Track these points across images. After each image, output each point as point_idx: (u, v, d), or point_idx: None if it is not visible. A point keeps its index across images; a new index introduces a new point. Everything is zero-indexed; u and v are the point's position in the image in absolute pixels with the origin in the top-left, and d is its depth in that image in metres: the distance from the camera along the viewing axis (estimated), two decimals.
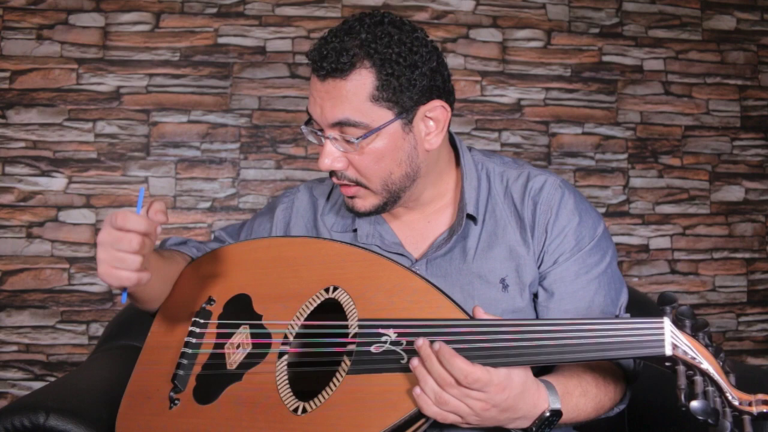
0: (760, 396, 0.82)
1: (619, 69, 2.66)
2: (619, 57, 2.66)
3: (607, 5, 2.66)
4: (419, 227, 1.18)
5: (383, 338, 0.96)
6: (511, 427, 0.94)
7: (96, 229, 2.38)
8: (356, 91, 1.02)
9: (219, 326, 1.14)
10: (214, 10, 2.46)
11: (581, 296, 1.10)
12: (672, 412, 1.32)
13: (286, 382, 1.02)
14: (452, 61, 2.54)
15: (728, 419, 0.80)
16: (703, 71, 2.72)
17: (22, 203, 2.35)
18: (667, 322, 0.84)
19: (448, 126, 1.12)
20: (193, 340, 1.14)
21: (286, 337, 1.06)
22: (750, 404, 0.81)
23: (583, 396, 1.01)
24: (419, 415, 0.91)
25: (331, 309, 1.04)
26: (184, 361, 1.12)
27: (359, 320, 1.00)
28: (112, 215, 0.97)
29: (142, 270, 0.98)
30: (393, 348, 0.95)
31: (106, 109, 2.40)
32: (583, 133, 2.63)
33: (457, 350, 0.88)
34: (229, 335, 1.12)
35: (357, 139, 1.04)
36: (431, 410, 0.89)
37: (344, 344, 0.99)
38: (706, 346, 0.84)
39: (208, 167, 2.44)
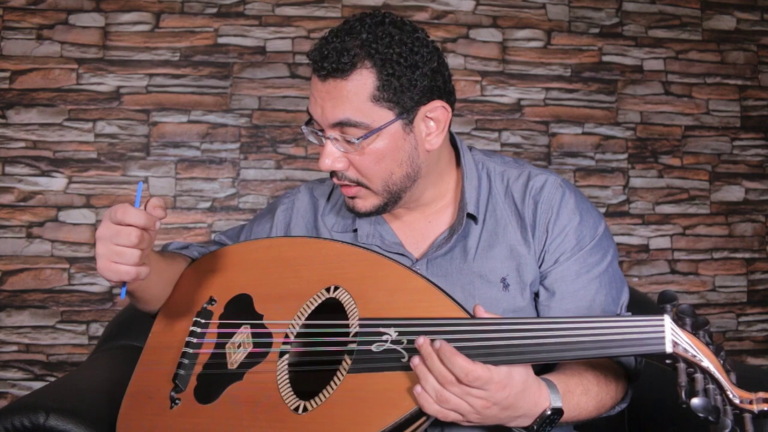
0: (761, 394, 0.82)
1: (619, 69, 2.66)
2: (619, 57, 2.66)
3: (607, 5, 2.66)
4: (420, 227, 1.18)
5: (384, 337, 0.96)
6: (513, 426, 0.94)
7: (96, 229, 2.38)
8: (357, 92, 1.02)
9: (220, 326, 1.15)
10: (214, 10, 2.46)
11: (582, 295, 1.10)
12: (672, 411, 1.32)
13: (287, 381, 1.02)
14: (452, 61, 2.54)
15: (729, 417, 0.80)
16: (703, 71, 2.72)
17: (22, 203, 2.35)
18: (667, 319, 0.84)
19: (449, 126, 1.12)
20: (195, 340, 1.14)
21: (287, 336, 1.06)
22: (751, 402, 0.82)
23: (584, 394, 1.01)
24: (420, 413, 0.91)
25: (331, 308, 1.05)
26: (185, 361, 1.12)
27: (360, 319, 1.00)
28: (111, 209, 0.97)
29: (141, 264, 0.98)
30: (394, 347, 0.95)
31: (106, 109, 2.40)
32: (583, 133, 2.63)
33: (458, 349, 0.88)
34: (230, 335, 1.12)
35: (358, 139, 1.04)
36: (432, 408, 0.89)
37: (345, 343, 0.99)
38: (707, 344, 0.84)
39: (208, 167, 2.44)
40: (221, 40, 2.46)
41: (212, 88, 2.45)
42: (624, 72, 2.66)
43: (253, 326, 1.11)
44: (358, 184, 1.10)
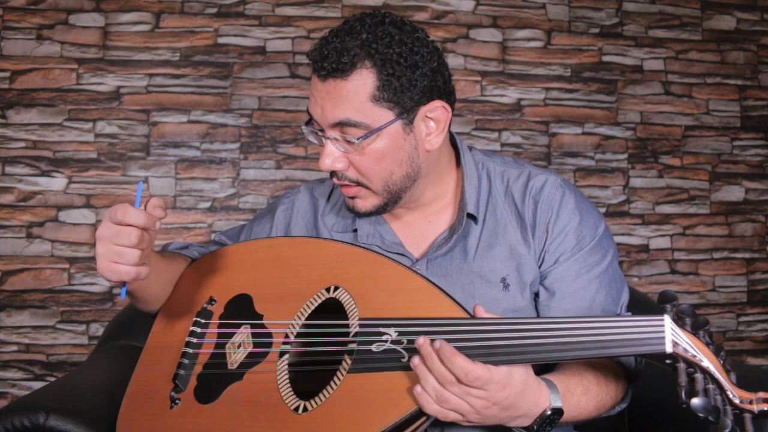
0: (761, 394, 0.82)
1: (619, 69, 2.66)
2: (619, 57, 2.66)
3: (607, 5, 2.66)
4: (420, 227, 1.18)
5: (384, 337, 0.96)
6: (513, 426, 0.94)
7: (96, 228, 2.38)
8: (357, 92, 1.02)
9: (220, 326, 1.15)
10: (214, 10, 2.46)
11: (582, 295, 1.10)
12: (672, 412, 1.32)
13: (287, 381, 1.02)
14: (452, 61, 2.54)
15: (729, 417, 0.80)
16: (703, 71, 2.72)
17: (22, 203, 2.35)
18: (667, 319, 0.84)
19: (449, 126, 1.12)
20: (195, 340, 1.14)
21: (287, 336, 1.06)
22: (751, 402, 0.81)
23: (584, 394, 1.01)
24: (420, 413, 0.91)
25: (332, 308, 1.05)
26: (185, 361, 1.12)
27: (360, 319, 1.00)
28: (111, 209, 0.97)
29: (141, 264, 0.98)
30: (394, 347, 0.95)
31: (106, 109, 2.40)
32: (583, 133, 2.63)
33: (458, 349, 0.88)
34: (230, 335, 1.12)
35: (358, 139, 1.04)
36: (432, 408, 0.89)
37: (345, 343, 0.99)
38: (707, 344, 0.84)
39: (208, 167, 2.44)
40: (221, 40, 2.46)
41: (212, 88, 2.45)
42: (624, 72, 2.66)
43: (253, 326, 1.11)
44: (358, 184, 1.10)
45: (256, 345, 1.08)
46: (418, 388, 0.89)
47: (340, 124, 1.04)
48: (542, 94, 2.61)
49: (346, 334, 1.00)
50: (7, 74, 2.36)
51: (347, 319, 1.01)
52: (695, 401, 0.79)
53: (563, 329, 0.88)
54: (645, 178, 2.66)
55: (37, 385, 2.32)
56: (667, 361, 0.85)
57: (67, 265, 2.37)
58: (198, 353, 1.14)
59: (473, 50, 2.58)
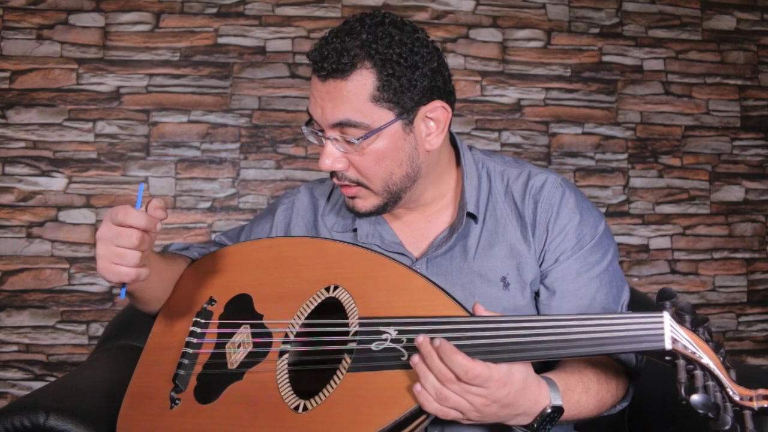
0: (761, 391, 0.81)
1: (619, 69, 2.66)
2: (619, 57, 2.66)
3: (607, 5, 2.66)
4: (420, 227, 1.19)
5: (384, 336, 0.96)
6: (513, 424, 0.94)
7: (96, 229, 2.38)
8: (357, 92, 1.02)
9: (220, 326, 1.15)
10: (214, 10, 2.46)
11: (583, 294, 1.10)
12: (672, 411, 1.32)
13: (287, 380, 1.02)
14: (452, 61, 2.54)
15: (729, 414, 0.80)
16: (703, 71, 2.72)
17: (22, 203, 2.36)
18: (666, 316, 0.84)
19: (449, 126, 1.12)
20: (194, 340, 1.14)
21: (286, 336, 1.06)
22: (751, 399, 0.81)
23: (584, 393, 1.01)
24: (420, 411, 0.91)
25: (331, 308, 1.05)
26: (185, 361, 1.12)
27: (360, 318, 1.00)
28: (112, 210, 0.98)
29: (141, 266, 0.98)
30: (393, 345, 0.95)
31: (106, 109, 2.40)
32: (583, 133, 2.63)
33: (458, 347, 0.88)
34: (230, 335, 1.12)
35: (358, 139, 1.04)
36: (432, 407, 0.89)
37: (345, 342, 0.99)
38: (706, 342, 0.83)
39: (208, 167, 2.45)
40: (221, 40, 2.46)
41: (212, 88, 2.45)
42: (624, 72, 2.66)
43: (252, 326, 1.11)
44: (358, 184, 1.10)
45: (256, 345, 1.08)
46: (417, 387, 0.89)
47: (340, 125, 1.04)
48: (542, 94, 2.61)
49: (346, 333, 1.00)
50: (7, 74, 2.36)
51: (347, 318, 1.01)
52: (695, 398, 0.79)
53: (563, 327, 0.88)
54: (645, 178, 2.66)
55: (37, 385, 2.32)
56: (667, 358, 0.85)
57: (67, 265, 2.37)
58: (198, 353, 1.14)
59: (473, 50, 2.58)
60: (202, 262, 1.24)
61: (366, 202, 1.12)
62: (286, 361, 1.04)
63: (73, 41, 2.39)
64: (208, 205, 2.45)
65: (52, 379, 2.34)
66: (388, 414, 0.91)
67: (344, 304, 1.03)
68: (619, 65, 2.66)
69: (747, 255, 2.73)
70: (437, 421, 0.95)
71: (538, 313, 1.13)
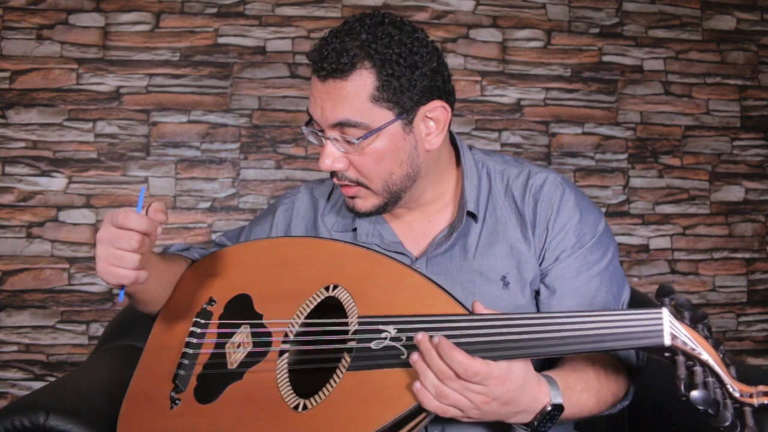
0: (761, 388, 0.81)
1: (619, 69, 2.66)
2: (619, 57, 2.66)
3: (607, 5, 2.66)
4: (420, 226, 1.19)
5: (383, 334, 0.96)
6: (513, 422, 0.94)
7: (96, 229, 2.38)
8: (357, 92, 1.02)
9: (220, 326, 1.15)
10: (214, 10, 2.46)
11: (583, 293, 1.10)
12: (672, 411, 1.32)
13: (287, 380, 1.02)
14: (452, 61, 2.54)
15: (729, 410, 0.79)
16: (703, 71, 2.72)
17: (22, 203, 2.36)
18: (665, 312, 0.84)
19: (449, 126, 1.12)
20: (194, 341, 1.14)
21: (286, 335, 1.06)
22: (751, 396, 0.81)
23: (585, 391, 1.00)
24: (420, 409, 0.91)
25: (331, 307, 1.05)
26: (185, 361, 1.12)
27: (359, 317, 1.00)
28: (113, 213, 0.98)
29: (141, 269, 0.99)
30: (393, 344, 0.95)
31: (106, 109, 2.40)
32: (583, 133, 2.63)
33: (457, 345, 0.88)
34: (230, 335, 1.12)
35: (357, 139, 1.04)
36: (432, 404, 0.89)
37: (344, 341, 0.99)
38: (706, 338, 0.83)
39: (208, 167, 2.45)
40: (221, 40, 2.46)
41: (212, 88, 2.45)
42: (624, 72, 2.66)
43: (252, 326, 1.11)
44: (358, 184, 1.10)
45: (255, 344, 1.08)
46: (417, 385, 0.89)
47: (340, 125, 1.04)
48: (542, 94, 2.61)
49: (346, 332, 1.00)
50: (7, 74, 2.36)
51: (346, 317, 1.01)
52: (695, 394, 0.78)
53: (562, 323, 0.87)
54: (645, 178, 2.66)
55: (37, 385, 2.32)
56: (666, 354, 0.85)
57: (67, 265, 2.37)
58: (198, 353, 1.14)
59: (473, 50, 2.58)
60: (201, 262, 1.24)
61: (366, 201, 1.12)
62: (285, 361, 1.04)
63: (73, 41, 2.39)
64: (208, 205, 2.45)
65: (52, 379, 2.34)
66: (388, 412, 0.91)
67: (344, 303, 1.03)
68: (619, 65, 2.66)
69: (747, 255, 2.73)
70: (438, 420, 0.94)
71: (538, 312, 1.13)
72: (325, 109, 1.04)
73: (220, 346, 1.12)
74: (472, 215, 1.14)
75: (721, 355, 0.83)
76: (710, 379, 0.81)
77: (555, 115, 2.61)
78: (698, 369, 0.82)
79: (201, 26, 2.45)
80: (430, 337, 0.89)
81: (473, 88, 2.57)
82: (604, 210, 2.62)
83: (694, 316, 0.85)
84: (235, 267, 1.20)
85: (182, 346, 1.15)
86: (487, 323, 0.90)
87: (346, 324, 1.00)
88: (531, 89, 2.60)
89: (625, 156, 2.65)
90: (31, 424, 1.12)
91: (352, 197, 1.12)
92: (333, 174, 1.11)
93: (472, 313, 0.94)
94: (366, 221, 1.19)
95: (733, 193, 2.72)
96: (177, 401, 1.10)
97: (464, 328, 0.91)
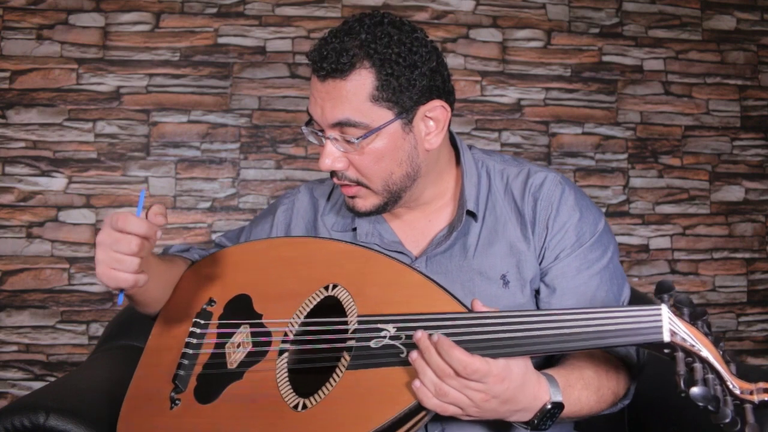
0: (761, 384, 0.81)
1: (619, 69, 2.66)
2: (619, 57, 2.66)
3: (607, 5, 2.66)
4: (419, 226, 1.19)
5: (382, 333, 0.96)
6: (513, 420, 0.94)
7: (96, 229, 2.38)
8: (356, 92, 1.02)
9: (219, 326, 1.15)
10: (214, 10, 2.46)
11: (583, 291, 1.10)
12: (672, 411, 1.32)
13: (287, 379, 1.02)
14: (452, 61, 2.54)
15: (729, 407, 0.79)
16: (703, 71, 2.72)
17: (22, 203, 2.36)
18: (665, 308, 0.84)
19: (448, 126, 1.12)
20: (194, 341, 1.14)
21: (286, 335, 1.06)
22: (751, 393, 0.81)
23: (585, 389, 1.00)
24: (419, 407, 0.91)
25: (330, 306, 1.05)
26: (185, 362, 1.12)
27: (359, 316, 1.00)
28: (113, 216, 0.98)
29: (140, 272, 0.99)
30: (392, 342, 0.95)
31: (106, 109, 2.40)
32: (583, 133, 2.63)
33: (456, 342, 0.88)
34: (230, 335, 1.12)
35: (357, 139, 1.04)
36: (431, 402, 0.89)
37: (344, 340, 0.99)
38: (706, 335, 0.83)
39: (208, 167, 2.45)
40: (221, 40, 2.46)
41: (212, 88, 2.45)
42: (624, 72, 2.66)
43: (252, 326, 1.11)
44: (358, 183, 1.10)
45: (255, 344, 1.08)
46: (416, 383, 0.89)
47: (340, 124, 1.04)
48: (542, 94, 2.61)
49: (345, 331, 1.00)
50: (7, 74, 2.36)
51: (346, 316, 1.01)
52: (695, 390, 0.78)
53: (561, 321, 0.87)
54: (645, 178, 2.66)
55: (37, 385, 2.32)
56: (665, 351, 0.84)
57: (67, 265, 2.37)
58: (197, 354, 1.14)
59: (473, 50, 2.58)
60: (201, 263, 1.24)
61: (366, 201, 1.12)
62: (285, 360, 1.04)
63: (73, 41, 2.39)
64: (208, 205, 2.45)
65: (52, 379, 2.34)
66: (387, 411, 0.91)
67: (343, 303, 1.03)
68: (619, 65, 2.66)
69: (747, 255, 2.73)
70: (438, 418, 0.94)
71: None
72: (324, 108, 1.04)
73: (219, 346, 1.12)
74: (472, 214, 1.14)
75: (721, 352, 0.83)
76: (710, 376, 0.81)
77: (555, 115, 2.61)
78: (698, 365, 0.81)
79: (201, 26, 2.45)
80: (430, 335, 0.89)
81: (473, 88, 2.57)
82: (604, 210, 2.62)
83: (693, 312, 0.85)
84: (234, 267, 1.20)
85: (182, 347, 1.15)
86: (487, 321, 0.90)
87: (346, 323, 1.01)
88: (531, 89, 2.60)
89: (625, 156, 2.65)
90: (31, 424, 1.12)
91: (352, 197, 1.12)
92: (333, 174, 1.11)
93: (471, 311, 0.94)
94: (366, 221, 1.19)
95: (733, 193, 2.72)
96: (177, 401, 1.10)
97: (463, 326, 0.91)
